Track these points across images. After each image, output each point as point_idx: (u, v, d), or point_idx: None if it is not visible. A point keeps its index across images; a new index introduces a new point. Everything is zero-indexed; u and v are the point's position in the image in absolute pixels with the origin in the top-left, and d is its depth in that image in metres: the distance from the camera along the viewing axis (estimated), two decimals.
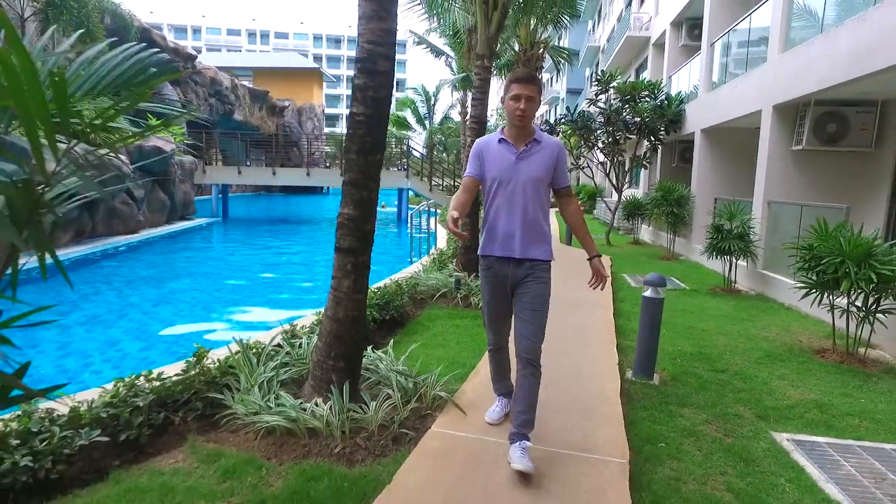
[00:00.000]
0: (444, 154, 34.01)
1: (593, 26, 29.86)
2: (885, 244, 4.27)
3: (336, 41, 76.13)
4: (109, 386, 2.74)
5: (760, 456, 2.88)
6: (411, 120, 31.17)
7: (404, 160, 20.64)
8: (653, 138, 11.82)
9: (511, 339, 2.77)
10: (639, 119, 11.51)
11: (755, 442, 3.04)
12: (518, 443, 2.52)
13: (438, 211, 11.43)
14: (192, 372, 2.96)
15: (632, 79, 18.16)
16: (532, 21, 10.32)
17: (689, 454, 2.85)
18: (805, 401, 3.66)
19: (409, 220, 11.23)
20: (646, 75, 16.05)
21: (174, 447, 2.68)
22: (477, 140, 2.80)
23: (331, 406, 2.75)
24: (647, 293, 3.84)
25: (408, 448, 2.70)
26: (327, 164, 22.66)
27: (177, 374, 2.91)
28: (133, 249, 12.00)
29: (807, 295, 4.71)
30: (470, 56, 7.61)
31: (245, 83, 31.57)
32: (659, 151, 12.83)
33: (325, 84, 47.20)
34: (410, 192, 19.91)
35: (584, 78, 31.82)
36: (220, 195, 19.93)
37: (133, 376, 2.77)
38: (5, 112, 1.41)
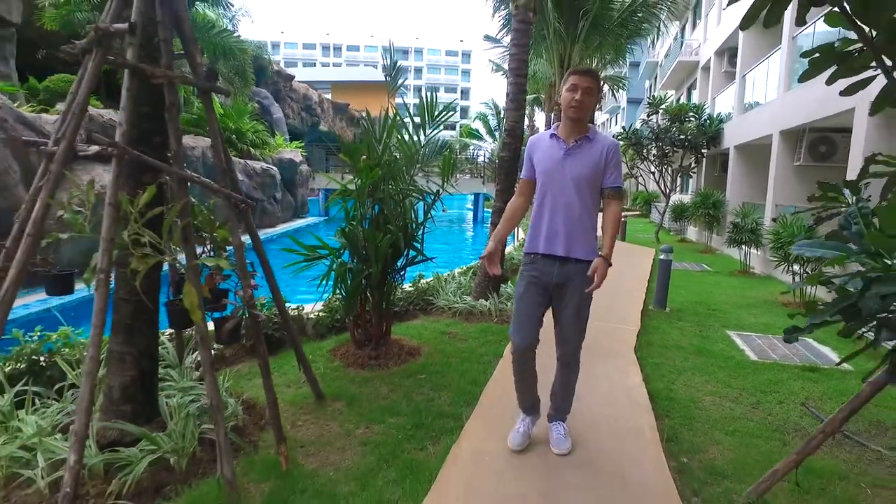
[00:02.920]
0: None
1: (652, 41, 31.59)
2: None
3: (404, 52, 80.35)
4: None
5: (713, 336, 5.43)
6: (483, 132, 34.04)
7: (470, 167, 23.62)
8: (696, 152, 14.05)
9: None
10: (683, 136, 13.77)
11: (714, 332, 5.58)
12: (556, 423, 2.89)
13: None
14: (416, 287, 5.87)
15: (684, 96, 20.23)
16: (594, 61, 12.91)
17: (674, 333, 5.45)
18: (757, 322, 6.13)
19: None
20: (696, 94, 18.09)
21: (412, 320, 5.58)
22: (530, 138, 2.74)
23: (490, 302, 5.58)
24: (662, 256, 6.45)
25: None
26: None
27: (409, 287, 5.84)
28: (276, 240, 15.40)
29: (778, 266, 7.11)
30: (551, 102, 10.41)
31: (327, 97, 35.62)
32: (703, 163, 14.98)
33: None
34: (488, 197, 22.89)
35: (644, 88, 33.61)
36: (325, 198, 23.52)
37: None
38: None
